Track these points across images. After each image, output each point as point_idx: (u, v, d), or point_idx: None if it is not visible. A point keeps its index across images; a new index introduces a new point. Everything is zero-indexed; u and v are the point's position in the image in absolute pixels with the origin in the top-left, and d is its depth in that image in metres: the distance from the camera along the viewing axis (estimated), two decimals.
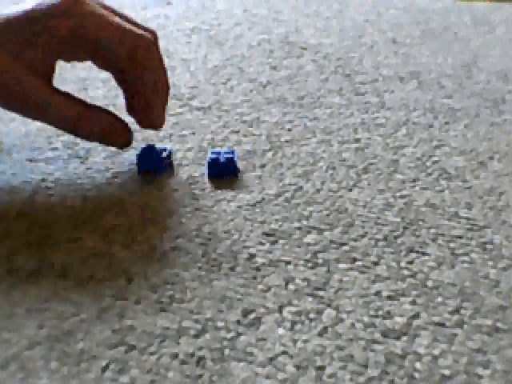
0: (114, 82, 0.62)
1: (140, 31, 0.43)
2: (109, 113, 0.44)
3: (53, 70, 0.43)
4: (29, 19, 0.41)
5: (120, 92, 0.60)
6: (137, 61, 0.42)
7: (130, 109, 0.45)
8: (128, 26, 0.43)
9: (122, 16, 0.45)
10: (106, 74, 0.64)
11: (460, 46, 0.72)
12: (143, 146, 0.48)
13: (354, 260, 0.36)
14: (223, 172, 0.45)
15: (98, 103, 0.57)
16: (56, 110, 0.42)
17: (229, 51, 0.71)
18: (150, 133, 0.52)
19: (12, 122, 0.54)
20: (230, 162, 0.44)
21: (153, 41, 0.43)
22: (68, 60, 0.44)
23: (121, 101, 0.58)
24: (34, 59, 0.41)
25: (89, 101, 0.58)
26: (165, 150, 0.46)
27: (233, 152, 0.45)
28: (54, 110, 0.42)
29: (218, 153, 0.45)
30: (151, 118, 0.44)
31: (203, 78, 0.63)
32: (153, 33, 0.45)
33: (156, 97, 0.43)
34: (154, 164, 0.45)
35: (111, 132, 0.44)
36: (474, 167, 0.46)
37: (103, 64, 0.44)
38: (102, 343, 0.31)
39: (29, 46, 0.41)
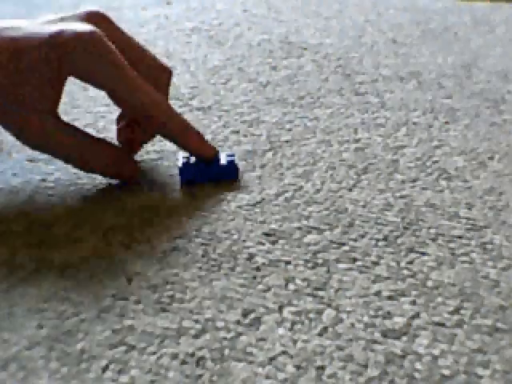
0: None
1: (163, 98, 0.42)
2: (113, 146, 0.43)
3: (55, 101, 0.41)
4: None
5: None
6: (160, 123, 0.42)
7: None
8: (150, 90, 0.41)
9: (137, 51, 0.44)
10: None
11: (460, 46, 0.72)
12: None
13: (354, 260, 0.36)
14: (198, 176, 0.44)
15: (99, 103, 0.57)
16: (59, 147, 0.41)
17: (229, 51, 0.71)
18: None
19: None
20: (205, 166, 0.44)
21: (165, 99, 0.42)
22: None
23: None
24: (33, 96, 0.40)
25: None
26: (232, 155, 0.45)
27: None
28: (56, 148, 0.41)
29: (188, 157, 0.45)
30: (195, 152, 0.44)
31: (203, 78, 0.63)
32: (169, 73, 0.45)
33: (158, 129, 0.43)
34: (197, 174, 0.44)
35: (117, 166, 0.43)
36: (473, 167, 0.46)
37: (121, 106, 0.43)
38: (102, 343, 0.31)
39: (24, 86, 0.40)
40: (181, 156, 0.45)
